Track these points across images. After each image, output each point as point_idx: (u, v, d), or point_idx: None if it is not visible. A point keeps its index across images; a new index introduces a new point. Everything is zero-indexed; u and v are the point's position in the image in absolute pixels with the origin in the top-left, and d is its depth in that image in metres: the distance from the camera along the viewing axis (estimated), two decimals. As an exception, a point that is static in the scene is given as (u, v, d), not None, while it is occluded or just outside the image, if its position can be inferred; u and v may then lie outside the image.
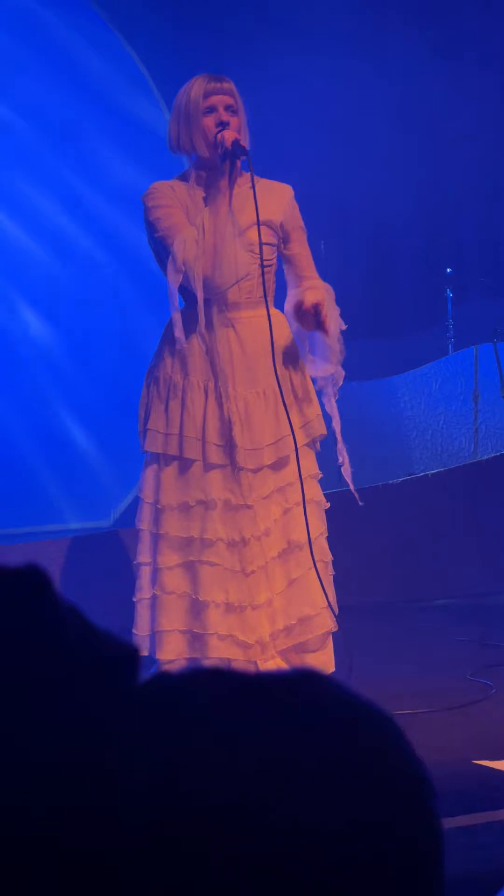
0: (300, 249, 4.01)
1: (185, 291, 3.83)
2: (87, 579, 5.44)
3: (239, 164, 3.78)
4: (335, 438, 3.93)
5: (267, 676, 0.80)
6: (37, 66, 6.88)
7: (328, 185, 7.12)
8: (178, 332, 3.78)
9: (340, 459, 3.92)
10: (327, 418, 3.97)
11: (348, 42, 7.47)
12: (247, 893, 0.72)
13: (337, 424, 3.93)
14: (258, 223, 3.76)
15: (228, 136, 3.76)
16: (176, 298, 3.80)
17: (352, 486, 3.96)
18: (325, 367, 3.87)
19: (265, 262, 3.88)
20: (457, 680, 4.33)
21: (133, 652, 0.80)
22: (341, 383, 3.93)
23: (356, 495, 3.98)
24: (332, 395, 3.92)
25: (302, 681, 0.79)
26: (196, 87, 3.87)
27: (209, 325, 3.82)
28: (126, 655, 0.79)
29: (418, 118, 7.68)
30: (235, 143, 3.75)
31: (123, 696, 0.76)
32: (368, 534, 5.72)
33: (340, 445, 3.93)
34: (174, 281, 3.76)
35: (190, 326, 3.81)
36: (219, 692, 0.77)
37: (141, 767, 0.73)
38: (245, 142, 3.84)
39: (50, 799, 0.72)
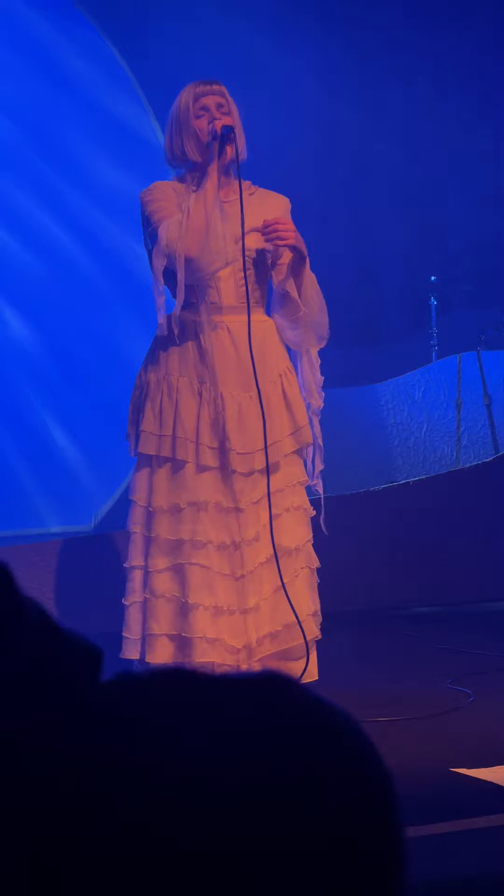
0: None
1: (179, 289, 3.73)
2: (68, 583, 5.42)
3: (230, 152, 3.75)
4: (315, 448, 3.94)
5: (231, 678, 0.79)
6: (20, 66, 6.86)
7: (313, 193, 7.12)
8: (165, 332, 3.75)
9: (315, 477, 3.93)
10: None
11: (334, 51, 7.48)
12: None
13: (318, 436, 3.93)
14: (241, 216, 3.74)
15: (219, 124, 3.75)
16: (162, 298, 3.73)
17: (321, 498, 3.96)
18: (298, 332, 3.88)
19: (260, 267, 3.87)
20: (435, 688, 4.33)
21: (97, 652, 0.79)
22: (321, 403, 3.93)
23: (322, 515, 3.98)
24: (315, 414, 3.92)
25: (267, 683, 0.78)
26: (186, 93, 3.86)
27: (202, 327, 3.79)
28: (88, 655, 0.78)
29: (403, 127, 7.69)
30: (224, 126, 3.73)
31: (81, 695, 0.75)
32: (349, 541, 5.71)
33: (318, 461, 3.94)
34: (158, 265, 3.70)
35: (182, 328, 3.78)
36: (179, 693, 0.76)
37: (91, 768, 0.72)
38: (241, 143, 3.81)
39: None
